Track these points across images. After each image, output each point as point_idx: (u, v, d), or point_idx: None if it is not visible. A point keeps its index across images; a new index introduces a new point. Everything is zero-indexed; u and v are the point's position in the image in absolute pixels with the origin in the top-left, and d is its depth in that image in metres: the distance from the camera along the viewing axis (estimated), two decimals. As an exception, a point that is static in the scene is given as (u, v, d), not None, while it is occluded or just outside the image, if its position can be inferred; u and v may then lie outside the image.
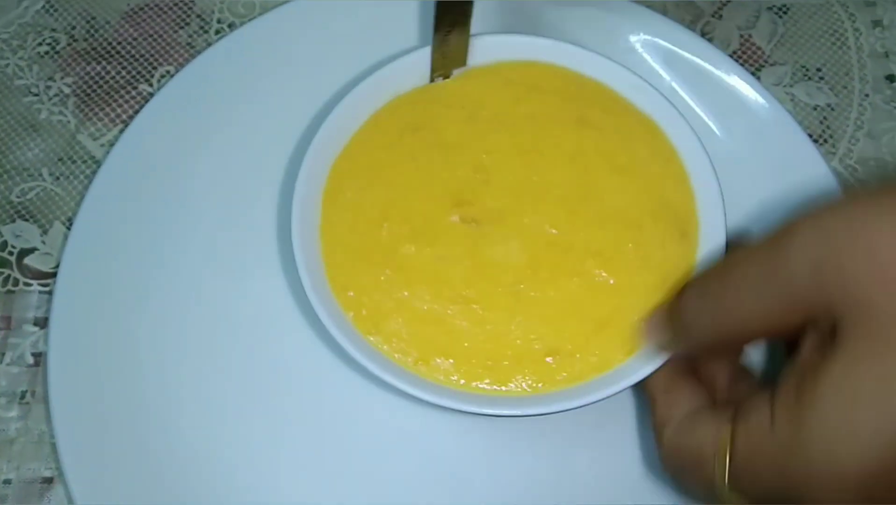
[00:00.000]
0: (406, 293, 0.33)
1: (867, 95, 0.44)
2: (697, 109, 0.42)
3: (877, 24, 0.46)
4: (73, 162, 0.42)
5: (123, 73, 0.44)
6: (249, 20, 0.44)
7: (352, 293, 0.34)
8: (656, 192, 0.35)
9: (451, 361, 0.32)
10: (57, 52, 0.44)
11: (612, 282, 0.33)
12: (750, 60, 0.45)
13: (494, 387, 0.32)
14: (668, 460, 0.31)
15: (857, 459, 0.23)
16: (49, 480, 0.35)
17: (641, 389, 0.33)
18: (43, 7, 0.45)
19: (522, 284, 0.33)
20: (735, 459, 0.27)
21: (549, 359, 0.32)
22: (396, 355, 0.33)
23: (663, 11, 0.44)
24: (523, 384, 0.32)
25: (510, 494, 0.35)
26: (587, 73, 0.38)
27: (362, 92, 0.36)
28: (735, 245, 0.33)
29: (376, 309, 0.33)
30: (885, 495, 0.23)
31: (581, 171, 0.36)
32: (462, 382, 0.32)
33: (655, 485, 0.35)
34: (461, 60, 0.37)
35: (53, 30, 0.45)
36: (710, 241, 0.34)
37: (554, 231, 0.34)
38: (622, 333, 0.33)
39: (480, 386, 0.32)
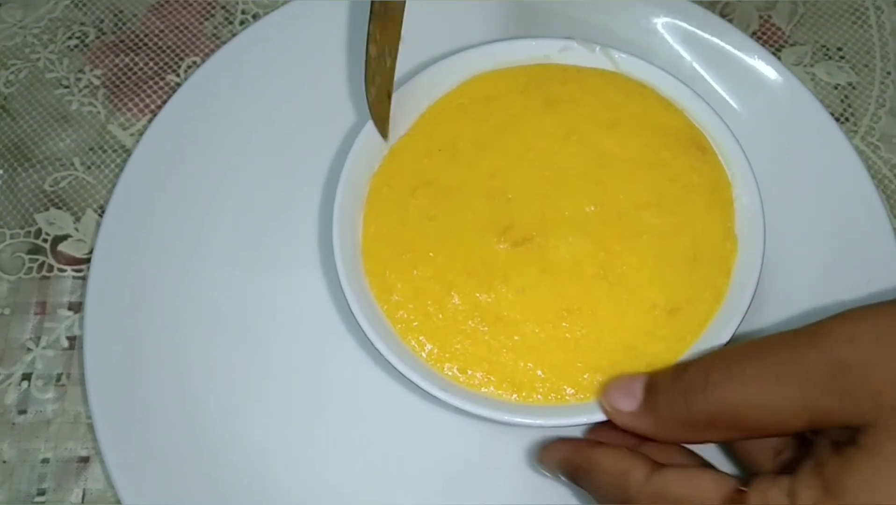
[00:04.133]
0: (471, 324, 0.33)
1: (889, 73, 0.44)
2: (719, 90, 0.42)
3: (898, 1, 0.46)
4: (104, 151, 0.43)
5: (151, 64, 0.45)
6: (273, 10, 0.45)
7: (396, 297, 0.34)
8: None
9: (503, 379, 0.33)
10: (86, 45, 0.45)
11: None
12: (770, 41, 0.45)
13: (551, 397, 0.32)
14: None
15: None
16: (85, 460, 0.36)
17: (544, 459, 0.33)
18: (72, 2, 0.46)
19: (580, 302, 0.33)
20: None
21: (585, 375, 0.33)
22: (446, 368, 0.33)
23: (683, -6, 0.45)
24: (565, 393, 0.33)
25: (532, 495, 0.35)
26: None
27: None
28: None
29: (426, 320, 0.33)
30: None
31: (590, 156, 0.36)
32: (515, 396, 0.32)
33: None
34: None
35: (82, 24, 0.46)
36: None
37: (592, 208, 0.35)
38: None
39: (536, 397, 0.32)
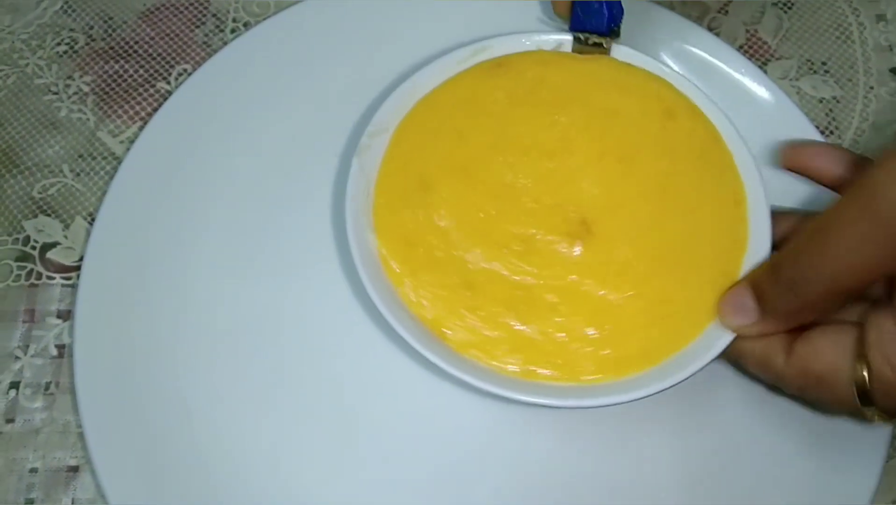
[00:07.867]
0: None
1: (872, 88, 0.45)
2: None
3: (880, 18, 0.47)
4: (94, 158, 0.42)
5: (141, 71, 0.45)
6: (264, 19, 0.45)
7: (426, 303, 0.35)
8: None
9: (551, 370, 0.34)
10: (75, 52, 0.45)
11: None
12: (756, 55, 0.46)
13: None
14: (792, 383, 0.32)
15: None
16: (75, 469, 0.36)
17: None
18: (61, 8, 0.46)
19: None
20: (874, 374, 0.29)
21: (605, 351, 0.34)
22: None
23: (670, 7, 0.45)
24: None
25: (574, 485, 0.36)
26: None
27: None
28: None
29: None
30: None
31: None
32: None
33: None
34: None
35: (72, 30, 0.46)
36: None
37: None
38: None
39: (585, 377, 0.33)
